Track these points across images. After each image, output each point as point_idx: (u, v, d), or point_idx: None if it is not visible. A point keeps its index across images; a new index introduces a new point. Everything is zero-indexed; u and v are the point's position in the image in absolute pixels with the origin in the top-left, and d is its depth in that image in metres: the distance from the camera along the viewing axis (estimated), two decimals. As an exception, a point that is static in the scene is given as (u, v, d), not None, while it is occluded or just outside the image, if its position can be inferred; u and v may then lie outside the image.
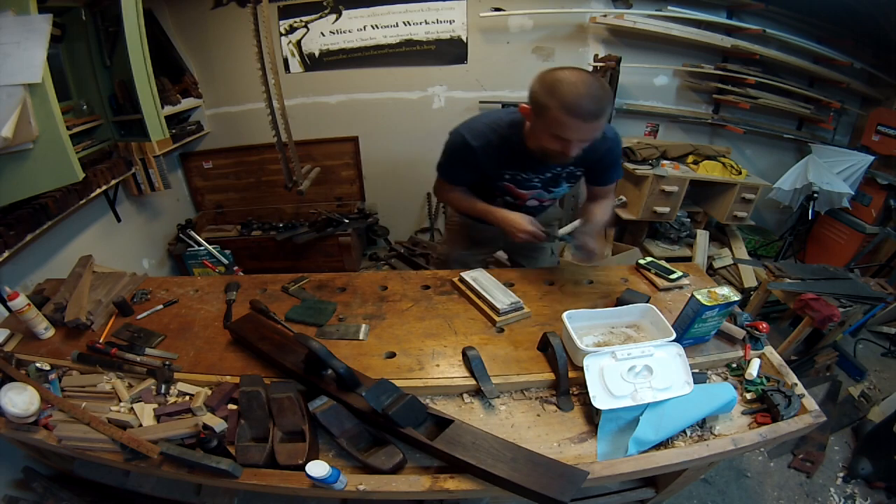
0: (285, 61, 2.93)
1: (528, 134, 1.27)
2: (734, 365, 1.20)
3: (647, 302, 1.28)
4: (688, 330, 1.15)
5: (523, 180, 1.44)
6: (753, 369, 1.14)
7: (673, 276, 1.49)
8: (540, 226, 1.41)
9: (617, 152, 1.44)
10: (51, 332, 1.30)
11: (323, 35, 2.86)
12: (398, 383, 1.02)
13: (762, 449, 1.91)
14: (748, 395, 1.11)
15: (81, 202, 1.95)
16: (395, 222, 3.42)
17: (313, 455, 0.95)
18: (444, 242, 1.91)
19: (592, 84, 1.12)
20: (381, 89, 3.02)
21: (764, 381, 1.12)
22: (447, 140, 1.38)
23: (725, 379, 1.18)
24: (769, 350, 1.22)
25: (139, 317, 1.37)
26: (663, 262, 1.56)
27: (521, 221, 1.39)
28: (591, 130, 1.16)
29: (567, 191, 1.57)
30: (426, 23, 2.82)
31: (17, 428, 1.04)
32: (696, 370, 1.13)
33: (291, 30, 2.86)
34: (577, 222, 1.46)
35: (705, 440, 1.01)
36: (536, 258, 1.83)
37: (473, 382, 1.09)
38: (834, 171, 2.80)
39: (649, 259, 1.57)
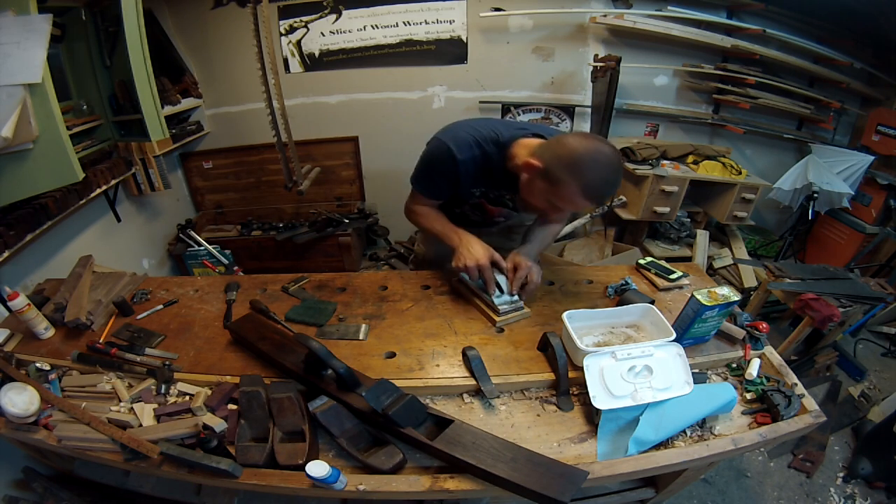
0: (285, 61, 2.93)
1: (523, 186, 1.19)
2: (734, 365, 1.20)
3: (651, 303, 1.28)
4: (688, 330, 1.15)
5: (496, 197, 1.41)
6: (753, 369, 1.14)
7: (673, 276, 1.49)
8: (502, 263, 1.31)
9: None
10: (51, 332, 1.30)
11: (323, 35, 2.86)
12: (398, 383, 1.02)
13: (762, 449, 1.91)
14: (748, 395, 1.11)
15: (81, 202, 1.95)
16: (395, 222, 3.42)
17: (313, 455, 0.95)
18: (421, 242, 1.82)
19: (614, 168, 1.08)
20: (381, 89, 3.02)
21: (764, 381, 1.12)
22: (427, 149, 1.29)
23: (725, 379, 1.18)
24: (769, 350, 1.22)
25: (139, 317, 1.37)
26: (663, 262, 1.56)
27: (476, 252, 1.28)
28: (595, 207, 1.14)
29: None
30: (426, 23, 2.82)
31: (17, 428, 1.04)
32: (696, 370, 1.13)
33: (291, 30, 2.86)
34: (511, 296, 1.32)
35: (705, 440, 1.01)
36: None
37: (473, 382, 1.09)
38: (834, 171, 2.81)
39: (649, 259, 1.57)
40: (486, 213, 1.46)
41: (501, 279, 1.31)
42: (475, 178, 1.29)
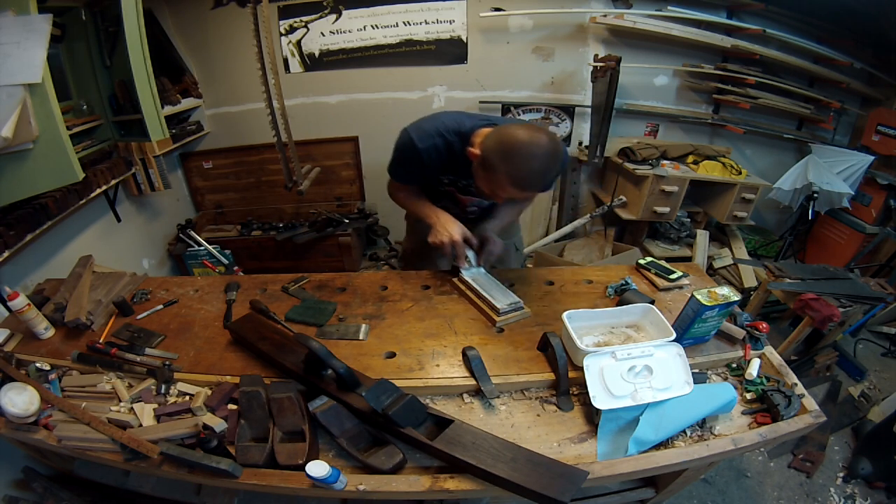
0: (285, 61, 2.93)
1: (472, 170, 1.26)
2: (734, 365, 1.20)
3: (651, 303, 1.28)
4: (688, 330, 1.15)
5: (464, 186, 1.46)
6: (753, 369, 1.14)
7: (673, 276, 1.49)
8: (472, 239, 1.43)
9: (557, 176, 1.46)
10: (51, 332, 1.30)
11: (323, 35, 2.86)
12: (398, 383, 1.02)
13: (762, 449, 1.91)
14: (748, 395, 1.11)
15: (81, 202, 1.95)
16: (395, 222, 3.41)
17: (313, 455, 0.95)
18: (406, 239, 1.93)
19: (545, 158, 1.11)
20: (381, 89, 3.02)
21: (764, 381, 1.12)
22: (397, 139, 1.37)
23: (725, 379, 1.18)
24: (769, 350, 1.22)
25: (139, 317, 1.37)
26: (663, 262, 1.56)
27: (451, 229, 1.38)
28: (528, 196, 1.24)
29: None
30: (426, 23, 2.82)
31: (17, 428, 1.04)
32: (696, 370, 1.13)
33: (291, 30, 2.86)
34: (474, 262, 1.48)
35: (705, 440, 1.01)
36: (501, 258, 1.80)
37: (473, 382, 1.09)
38: (834, 171, 2.81)
39: (649, 259, 1.57)
40: (460, 203, 1.53)
41: (471, 254, 1.45)
42: (440, 166, 1.36)
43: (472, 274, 1.45)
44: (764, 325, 1.21)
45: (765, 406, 1.07)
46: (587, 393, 1.01)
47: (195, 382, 1.13)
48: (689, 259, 2.96)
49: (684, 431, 1.03)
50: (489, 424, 1.02)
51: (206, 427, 0.98)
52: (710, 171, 2.87)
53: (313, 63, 2.95)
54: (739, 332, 1.22)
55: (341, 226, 3.05)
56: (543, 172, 1.13)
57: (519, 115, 3.05)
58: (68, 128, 1.64)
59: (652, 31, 2.68)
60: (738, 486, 1.83)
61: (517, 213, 1.65)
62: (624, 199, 3.02)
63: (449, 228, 1.38)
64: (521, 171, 1.11)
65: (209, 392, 1.08)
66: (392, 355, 1.20)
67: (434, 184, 1.47)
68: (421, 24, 2.82)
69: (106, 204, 2.33)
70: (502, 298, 1.33)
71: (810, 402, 1.07)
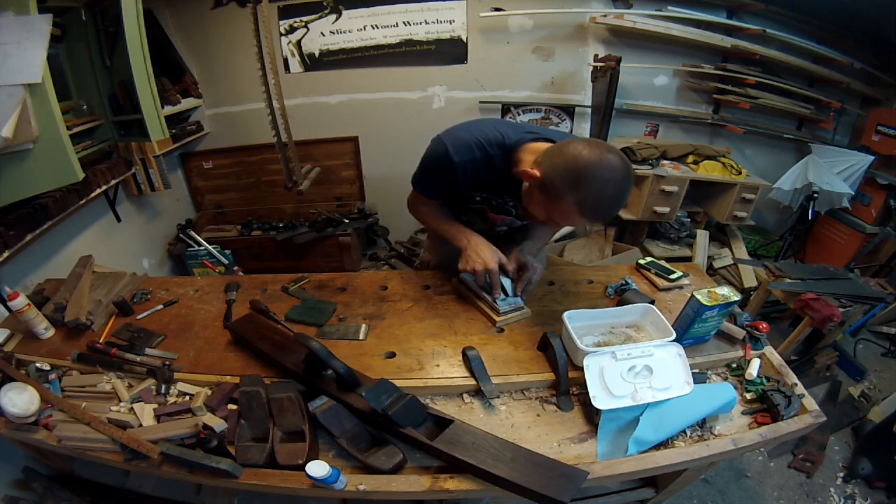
0: (285, 61, 2.93)
1: (523, 194, 1.12)
2: (734, 365, 1.20)
3: (651, 303, 1.28)
4: (688, 330, 1.14)
5: (498, 205, 1.32)
6: (753, 369, 1.14)
7: (673, 276, 1.49)
8: (508, 266, 1.28)
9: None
10: (51, 332, 1.30)
11: (323, 35, 2.86)
12: (398, 383, 1.02)
13: (762, 449, 1.91)
14: (748, 395, 1.11)
15: (81, 202, 1.96)
16: (395, 222, 3.42)
17: (313, 455, 0.95)
18: (427, 249, 1.76)
19: (620, 184, 0.96)
20: (381, 89, 3.02)
21: (764, 381, 1.12)
22: (428, 148, 1.21)
23: (725, 379, 1.18)
24: (769, 350, 1.22)
25: (139, 317, 1.37)
26: (663, 262, 1.56)
27: (485, 255, 1.24)
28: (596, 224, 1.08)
29: None
30: (426, 23, 2.82)
31: (17, 428, 1.03)
32: (696, 370, 1.13)
33: (291, 30, 2.86)
34: (515, 298, 1.33)
35: (705, 440, 1.01)
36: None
37: (473, 382, 1.09)
38: (834, 171, 2.81)
39: (649, 259, 1.57)
40: (489, 221, 1.40)
41: (506, 282, 1.31)
42: (475, 182, 1.21)
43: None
44: (764, 325, 1.21)
45: (765, 406, 1.07)
46: (587, 393, 1.01)
47: (195, 382, 1.13)
48: (689, 259, 2.96)
49: (684, 431, 1.03)
50: (489, 424, 1.02)
51: (206, 427, 0.98)
52: (710, 171, 2.87)
53: (313, 63, 2.95)
54: (739, 332, 1.22)
55: (341, 226, 3.05)
56: (618, 200, 0.99)
57: (519, 115, 3.05)
58: (68, 128, 1.64)
59: (652, 31, 2.68)
60: (738, 486, 1.83)
61: (553, 234, 1.49)
62: (624, 199, 3.01)
63: (483, 254, 1.25)
64: (594, 200, 0.96)
65: (209, 392, 1.08)
66: (392, 355, 1.20)
67: (463, 200, 1.33)
68: (421, 24, 2.82)
69: (106, 204, 2.33)
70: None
71: (810, 402, 1.07)
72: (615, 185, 0.96)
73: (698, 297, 1.09)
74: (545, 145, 1.10)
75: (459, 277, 1.45)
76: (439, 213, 1.37)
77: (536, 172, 1.03)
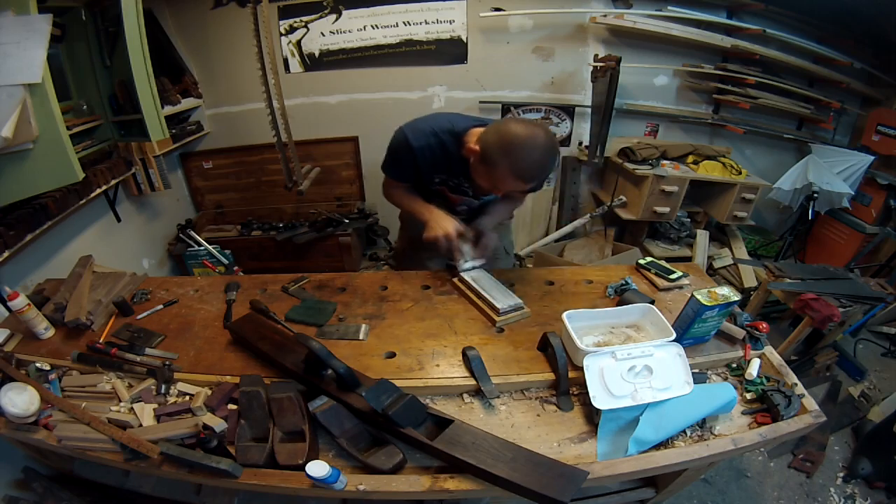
0: (285, 61, 2.93)
1: (471, 167, 1.29)
2: (734, 365, 1.20)
3: (651, 303, 1.28)
4: (688, 330, 1.14)
5: (455, 185, 1.49)
6: (753, 369, 1.14)
7: (673, 276, 1.49)
8: (467, 234, 1.45)
9: (552, 170, 1.48)
10: (51, 332, 1.30)
11: (323, 35, 2.86)
12: (398, 383, 1.02)
13: (762, 449, 1.91)
14: (748, 395, 1.11)
15: (81, 202, 1.95)
16: (395, 222, 3.39)
17: (313, 455, 0.95)
18: (399, 239, 1.95)
19: (545, 150, 1.16)
20: (381, 89, 3.02)
21: (764, 381, 1.12)
22: (392, 138, 1.40)
23: (725, 379, 1.18)
24: (769, 350, 1.22)
25: (139, 317, 1.37)
26: (663, 262, 1.56)
27: (445, 223, 1.40)
28: (530, 188, 1.25)
29: (495, 196, 1.59)
30: (426, 23, 2.82)
31: (17, 428, 1.04)
32: (696, 370, 1.13)
33: (291, 30, 2.86)
34: (474, 260, 1.50)
35: (705, 440, 1.01)
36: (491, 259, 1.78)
37: (473, 382, 1.09)
38: (834, 171, 2.81)
39: (649, 259, 1.57)
40: (449, 201, 1.55)
41: (466, 248, 1.47)
42: (433, 164, 1.39)
43: (470, 271, 1.46)
44: (764, 325, 1.21)
45: (765, 406, 1.07)
46: (587, 393, 1.01)
47: (195, 382, 1.13)
48: (689, 259, 2.96)
49: (684, 431, 1.03)
50: (489, 424, 1.02)
51: (206, 427, 0.98)
52: (710, 171, 2.88)
53: (313, 63, 2.95)
54: (739, 332, 1.22)
55: (341, 226, 3.05)
56: (543, 164, 1.18)
57: (519, 115, 3.05)
58: (68, 128, 1.64)
59: (652, 31, 2.68)
60: (738, 486, 1.83)
61: (509, 211, 1.67)
62: (624, 199, 3.02)
63: (443, 223, 1.40)
64: (523, 163, 1.15)
65: (209, 392, 1.08)
66: (392, 355, 1.20)
67: (426, 183, 1.49)
68: (421, 24, 2.82)
69: (106, 204, 2.33)
70: (502, 298, 1.33)
71: (810, 402, 1.07)
72: (540, 150, 1.15)
73: (698, 297, 1.09)
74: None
75: (460, 277, 1.46)
76: (407, 194, 1.53)
77: (476, 147, 1.22)
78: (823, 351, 2.33)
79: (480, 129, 1.28)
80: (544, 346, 1.17)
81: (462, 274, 1.46)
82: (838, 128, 3.14)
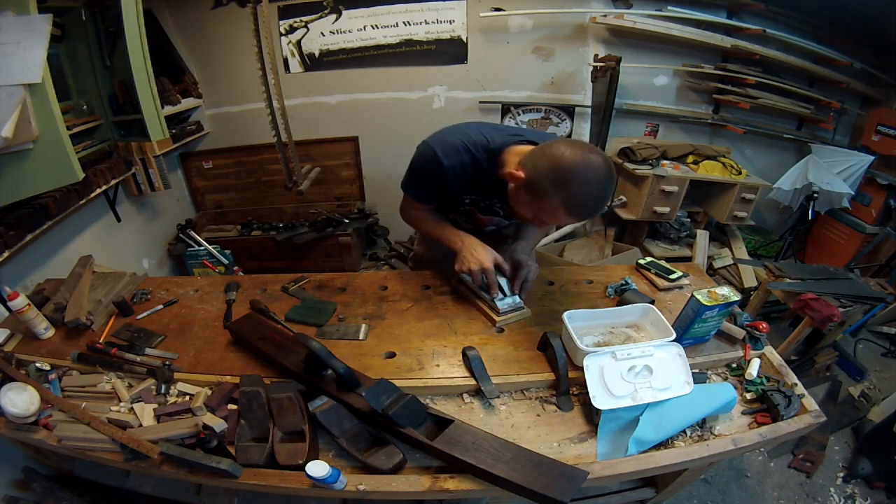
0: (285, 61, 2.93)
1: (510, 194, 1.15)
2: (734, 365, 1.20)
3: (651, 303, 1.28)
4: (688, 330, 1.14)
5: (486, 206, 1.36)
6: (753, 369, 1.14)
7: (673, 276, 1.49)
8: (504, 265, 1.31)
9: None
10: (51, 332, 1.30)
11: (323, 35, 2.86)
12: (398, 383, 1.02)
13: (762, 449, 1.91)
14: (748, 395, 1.11)
15: (81, 202, 1.95)
16: (395, 222, 3.40)
17: (313, 455, 0.95)
18: (419, 242, 1.79)
19: (602, 182, 0.99)
20: (381, 89, 3.02)
21: (764, 381, 1.12)
22: (416, 153, 1.25)
23: (725, 379, 1.18)
24: (769, 350, 1.22)
25: (139, 317, 1.37)
26: (663, 262, 1.56)
27: (482, 255, 1.27)
28: (582, 222, 1.10)
29: None
30: (426, 23, 2.82)
31: (17, 428, 1.04)
32: (696, 370, 1.13)
33: (291, 30, 2.86)
34: (513, 296, 1.34)
35: (705, 440, 1.01)
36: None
37: (473, 382, 1.09)
38: (834, 171, 2.81)
39: (649, 259, 1.57)
40: (477, 221, 1.43)
41: (503, 281, 1.32)
42: (464, 184, 1.24)
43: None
44: (764, 325, 1.21)
45: (765, 406, 1.07)
46: (587, 393, 1.01)
47: (195, 382, 1.13)
48: (689, 259, 2.96)
49: (684, 431, 1.03)
50: (489, 424, 1.02)
51: (206, 427, 0.98)
52: (710, 171, 2.87)
53: (313, 63, 2.95)
54: (739, 332, 1.22)
55: (341, 226, 3.05)
56: (601, 198, 1.03)
57: (519, 115, 3.05)
58: (68, 128, 1.64)
59: (652, 31, 2.68)
60: (738, 486, 1.83)
61: (543, 233, 1.53)
62: (624, 199, 3.02)
63: (478, 255, 1.27)
64: (578, 198, 1.00)
65: (209, 392, 1.08)
66: (392, 355, 1.20)
67: (453, 203, 1.36)
68: (421, 24, 2.82)
69: (106, 204, 2.33)
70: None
71: (810, 402, 1.07)
72: (598, 184, 0.99)
73: (698, 297, 1.09)
74: (528, 147, 1.13)
75: (459, 277, 1.46)
76: (432, 217, 1.40)
77: (521, 174, 1.06)
78: (823, 351, 2.33)
79: (522, 148, 1.14)
80: (544, 346, 1.17)
81: (462, 274, 1.45)
82: (838, 128, 3.14)
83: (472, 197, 1.33)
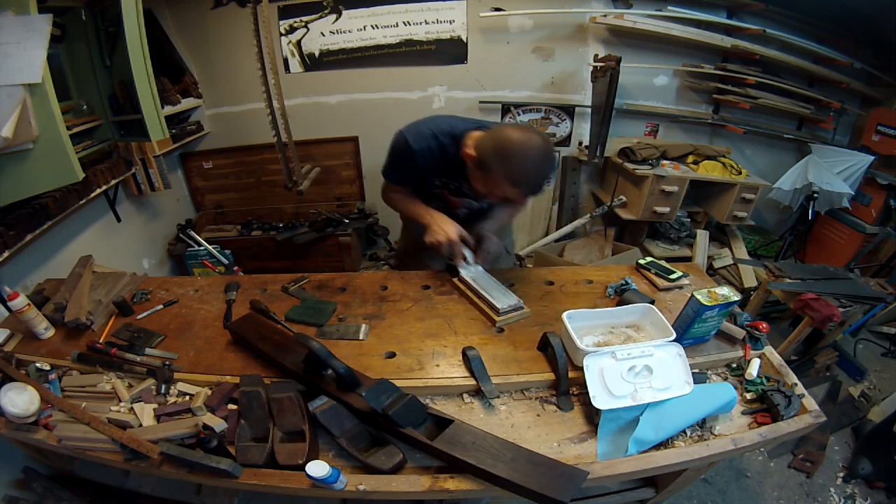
0: (285, 61, 2.93)
1: (468, 171, 1.29)
2: (734, 365, 1.20)
3: (651, 303, 1.28)
4: (688, 330, 1.14)
5: (455, 188, 1.48)
6: (753, 369, 1.14)
7: (673, 276, 1.49)
8: (469, 239, 1.45)
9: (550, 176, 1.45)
10: (51, 332, 1.30)
11: (323, 35, 2.86)
12: (398, 383, 1.02)
13: (762, 449, 1.91)
14: (748, 395, 1.11)
15: (81, 202, 1.95)
16: (395, 222, 3.38)
17: (313, 455, 0.95)
18: (400, 239, 1.95)
19: (539, 156, 1.14)
20: (381, 89, 3.02)
21: (764, 381, 1.12)
22: (392, 141, 1.38)
23: (725, 379, 1.18)
24: (769, 350, 1.22)
25: (139, 317, 1.37)
26: (663, 262, 1.56)
27: (447, 227, 1.40)
28: (527, 197, 1.23)
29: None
30: (426, 23, 2.82)
31: (17, 428, 1.04)
32: (696, 370, 1.13)
33: (291, 30, 2.86)
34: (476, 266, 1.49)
35: (705, 440, 1.01)
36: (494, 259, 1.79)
37: (473, 382, 1.09)
38: (834, 171, 2.81)
39: (649, 259, 1.57)
40: (449, 204, 1.54)
41: (468, 253, 1.46)
42: (433, 167, 1.38)
43: (471, 273, 1.46)
44: (764, 325, 1.21)
45: (765, 406, 1.07)
46: (587, 393, 1.01)
47: (195, 382, 1.13)
48: (689, 259, 2.96)
49: (684, 431, 1.03)
50: (489, 424, 1.02)
51: (206, 427, 0.98)
52: (710, 171, 2.87)
53: (313, 63, 2.95)
54: (739, 332, 1.22)
55: (341, 226, 3.05)
56: (537, 170, 1.17)
57: (519, 115, 3.05)
58: (68, 128, 1.64)
59: (652, 31, 2.68)
60: (738, 486, 1.83)
61: (510, 216, 1.68)
62: (624, 199, 3.02)
63: (445, 228, 1.40)
64: (516, 169, 1.14)
65: (209, 392, 1.08)
66: (392, 355, 1.20)
67: (426, 186, 1.49)
68: (421, 24, 2.82)
69: (106, 204, 2.33)
70: (502, 298, 1.33)
71: (810, 402, 1.07)
72: (535, 158, 1.14)
73: (698, 297, 1.09)
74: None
75: (459, 277, 1.46)
76: (407, 198, 1.53)
77: (473, 152, 1.22)
78: (823, 351, 2.33)
79: (479, 133, 1.28)
80: (544, 346, 1.17)
81: (462, 274, 1.46)
82: (838, 128, 3.14)
83: (441, 180, 1.46)
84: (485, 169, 1.19)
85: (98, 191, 2.05)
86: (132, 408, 1.06)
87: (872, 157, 2.80)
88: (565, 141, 3.17)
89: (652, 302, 1.30)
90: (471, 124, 1.35)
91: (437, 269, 1.61)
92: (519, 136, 1.14)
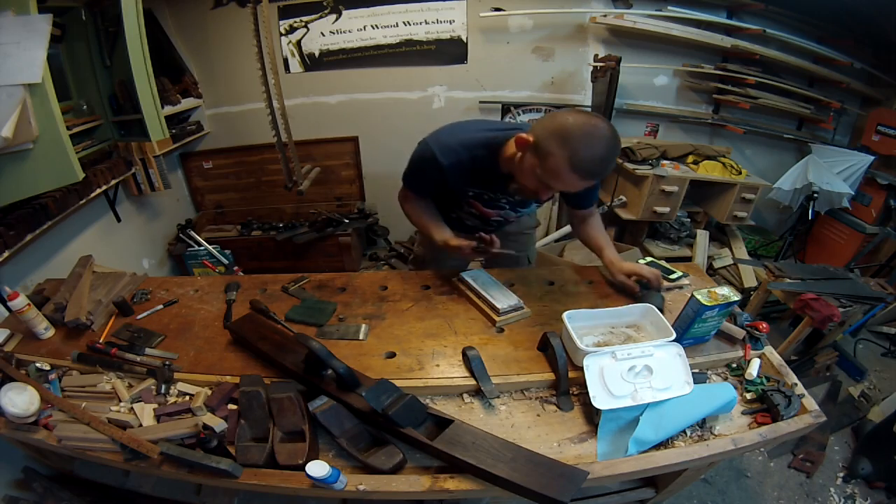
0: (285, 61, 2.93)
1: (515, 166, 1.18)
2: (734, 365, 1.20)
3: (661, 300, 1.30)
4: (688, 330, 1.14)
5: (490, 199, 1.40)
6: (753, 369, 1.14)
7: (673, 276, 1.49)
8: (496, 243, 1.34)
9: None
10: (51, 332, 1.30)
11: (323, 35, 2.86)
12: (398, 383, 1.02)
13: (762, 449, 1.91)
14: (748, 395, 1.11)
15: (81, 202, 1.95)
16: (395, 222, 3.42)
17: (313, 455, 0.95)
18: (419, 243, 1.84)
19: (609, 144, 1.03)
20: (381, 89, 3.02)
21: (764, 381, 1.12)
22: (415, 150, 1.30)
23: (725, 379, 1.18)
24: (769, 350, 1.22)
25: (139, 317, 1.37)
26: (663, 262, 1.56)
27: (459, 241, 1.32)
28: (585, 186, 1.12)
29: (535, 210, 1.52)
30: (426, 23, 2.82)
31: (17, 428, 1.04)
32: (696, 370, 1.13)
33: (291, 30, 2.86)
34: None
35: (705, 440, 1.01)
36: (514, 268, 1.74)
37: (473, 382, 1.09)
38: (834, 171, 2.81)
39: (649, 259, 1.57)
40: (483, 215, 1.47)
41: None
42: (465, 180, 1.30)
43: (472, 273, 1.45)
44: (764, 325, 1.21)
45: (765, 406, 1.07)
46: (587, 393, 1.01)
47: (195, 382, 1.13)
48: (689, 259, 2.96)
49: (684, 431, 1.03)
50: (489, 424, 1.02)
51: (206, 427, 0.98)
52: (710, 171, 2.87)
53: (313, 63, 2.95)
54: (739, 332, 1.22)
55: (341, 226, 3.05)
56: (606, 158, 1.04)
57: (519, 115, 3.05)
58: (68, 128, 1.64)
59: (652, 31, 2.68)
60: (738, 486, 1.83)
61: (605, 233, 1.55)
62: (624, 199, 3.02)
63: (457, 249, 1.33)
64: (583, 154, 1.02)
65: (209, 392, 1.08)
66: (392, 355, 1.20)
67: (458, 195, 1.40)
68: (421, 24, 2.82)
69: (106, 204, 2.33)
70: (502, 298, 1.33)
71: (810, 402, 1.07)
72: (602, 143, 1.02)
73: (698, 297, 1.09)
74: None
75: (459, 277, 1.46)
76: (424, 210, 1.45)
77: (529, 137, 1.10)
78: (823, 351, 2.33)
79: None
80: (544, 346, 1.17)
81: (462, 274, 1.46)
82: (838, 128, 3.13)
83: (475, 190, 1.37)
84: (542, 155, 1.06)
85: (98, 191, 2.05)
86: (132, 408, 1.06)
87: (872, 157, 2.80)
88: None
89: (662, 298, 1.33)
90: (508, 130, 1.24)
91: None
92: (584, 119, 1.03)
